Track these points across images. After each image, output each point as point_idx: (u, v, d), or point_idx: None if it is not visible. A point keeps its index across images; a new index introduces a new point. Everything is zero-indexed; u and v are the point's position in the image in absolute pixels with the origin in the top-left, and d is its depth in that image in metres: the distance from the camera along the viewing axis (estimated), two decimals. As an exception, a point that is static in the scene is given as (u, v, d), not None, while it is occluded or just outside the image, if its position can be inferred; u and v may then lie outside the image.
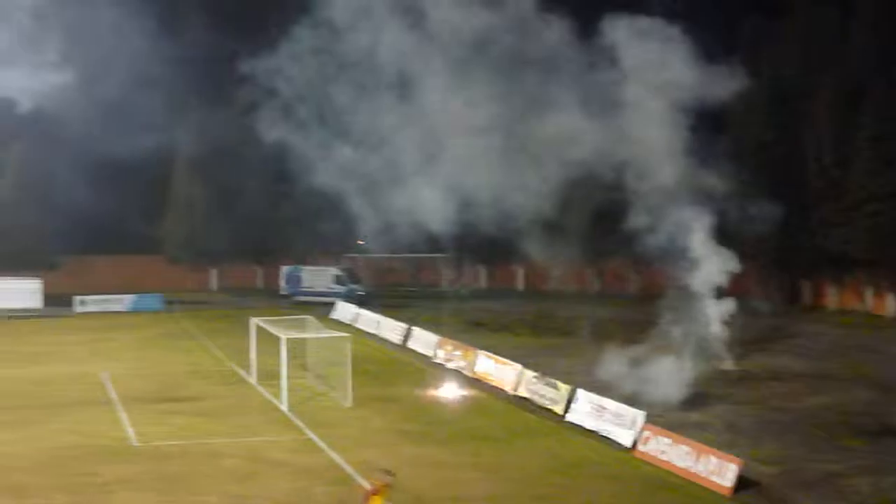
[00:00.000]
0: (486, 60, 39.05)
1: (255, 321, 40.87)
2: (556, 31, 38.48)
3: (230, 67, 45.95)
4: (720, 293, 39.54)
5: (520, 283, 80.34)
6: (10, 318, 60.79)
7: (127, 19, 43.28)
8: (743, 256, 40.05)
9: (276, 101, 41.85)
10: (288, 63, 40.93)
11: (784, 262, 64.10)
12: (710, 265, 38.76)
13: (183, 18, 64.90)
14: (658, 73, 37.14)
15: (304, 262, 74.59)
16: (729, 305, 40.13)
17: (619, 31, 37.58)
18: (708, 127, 40.05)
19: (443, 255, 73.77)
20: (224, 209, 73.51)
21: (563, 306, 60.57)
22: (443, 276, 79.20)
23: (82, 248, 70.21)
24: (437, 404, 37.32)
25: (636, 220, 37.83)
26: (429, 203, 39.46)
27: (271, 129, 42.76)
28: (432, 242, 55.94)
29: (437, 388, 39.38)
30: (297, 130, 41.82)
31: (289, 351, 36.41)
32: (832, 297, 66.11)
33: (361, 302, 64.23)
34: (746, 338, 44.92)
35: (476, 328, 55.16)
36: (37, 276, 65.22)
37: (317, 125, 41.98)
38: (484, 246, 65.97)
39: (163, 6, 45.40)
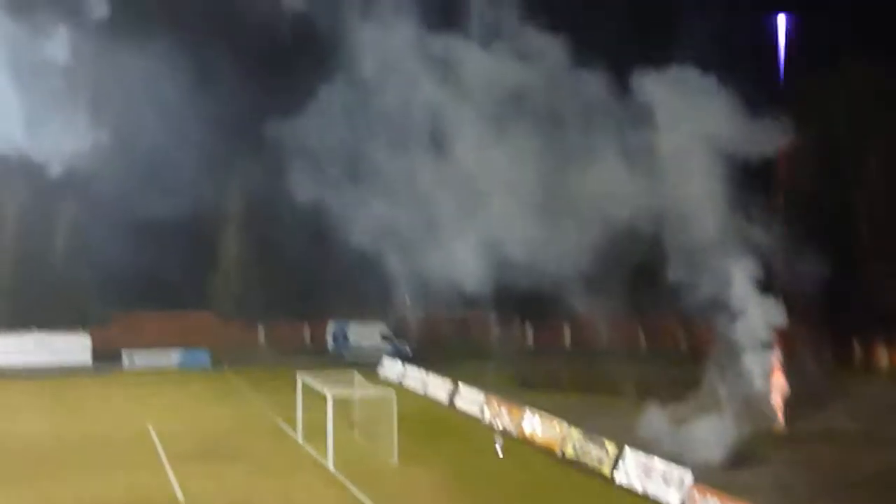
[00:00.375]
0: (523, 115, 39.26)
1: (301, 378, 41.01)
2: (592, 85, 38.64)
3: (267, 125, 46.46)
4: (767, 349, 39.08)
5: (566, 340, 79.87)
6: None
7: (160, 78, 43.88)
8: (792, 314, 39.60)
9: (312, 158, 42.15)
10: (324, 121, 41.30)
11: (834, 320, 63.23)
12: (754, 317, 38.31)
13: (217, 76, 65.59)
14: (695, 126, 37.08)
15: (351, 319, 74.81)
16: (776, 361, 39.67)
17: (653, 83, 37.66)
18: (754, 180, 39.82)
19: (488, 312, 73.54)
20: (268, 266, 73.93)
21: (609, 364, 60.08)
22: (490, 334, 78.95)
23: (132, 304, 70.84)
24: (483, 462, 37.14)
25: (678, 274, 37.57)
26: (472, 261, 39.54)
27: (308, 188, 42.95)
28: (477, 300, 55.83)
29: (483, 446, 39.20)
30: (335, 188, 42.06)
31: (335, 408, 36.48)
32: (884, 356, 65.12)
33: (408, 359, 64.20)
34: (795, 397, 44.31)
35: (523, 386, 54.86)
36: (86, 332, 65.95)
37: (355, 183, 42.23)
38: (529, 303, 65.68)
39: (195, 65, 45.87)
